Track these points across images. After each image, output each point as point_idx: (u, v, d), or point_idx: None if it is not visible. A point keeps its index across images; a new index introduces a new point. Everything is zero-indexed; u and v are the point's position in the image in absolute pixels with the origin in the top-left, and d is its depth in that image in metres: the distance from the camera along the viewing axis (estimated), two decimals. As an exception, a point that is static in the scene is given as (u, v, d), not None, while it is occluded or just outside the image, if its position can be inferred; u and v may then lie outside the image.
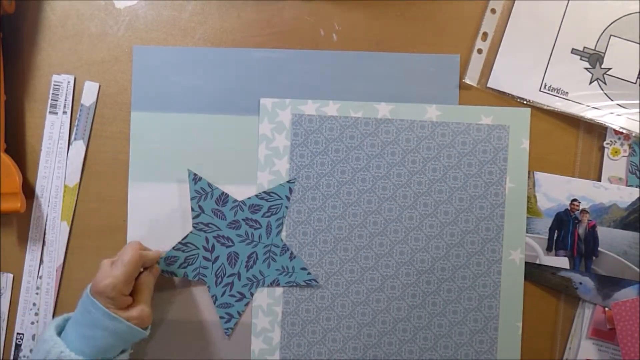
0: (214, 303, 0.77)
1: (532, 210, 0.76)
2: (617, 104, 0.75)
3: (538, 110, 0.76)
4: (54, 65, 0.78)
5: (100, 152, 0.78)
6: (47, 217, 0.78)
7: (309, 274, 0.77)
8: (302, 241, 0.77)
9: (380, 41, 0.77)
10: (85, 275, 0.78)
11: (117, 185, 0.78)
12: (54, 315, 0.78)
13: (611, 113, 0.75)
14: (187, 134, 0.78)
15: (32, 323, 0.78)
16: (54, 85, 0.78)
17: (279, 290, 0.77)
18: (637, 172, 0.75)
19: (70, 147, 0.78)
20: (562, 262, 0.76)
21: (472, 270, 0.77)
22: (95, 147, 0.78)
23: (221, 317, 0.77)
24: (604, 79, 0.75)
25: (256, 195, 0.77)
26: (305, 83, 0.77)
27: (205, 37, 0.78)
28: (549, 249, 0.76)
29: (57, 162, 0.78)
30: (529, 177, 0.76)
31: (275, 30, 0.78)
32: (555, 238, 0.76)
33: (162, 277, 0.77)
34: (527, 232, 0.76)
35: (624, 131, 0.75)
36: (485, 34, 0.77)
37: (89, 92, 0.78)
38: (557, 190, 0.76)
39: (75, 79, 0.78)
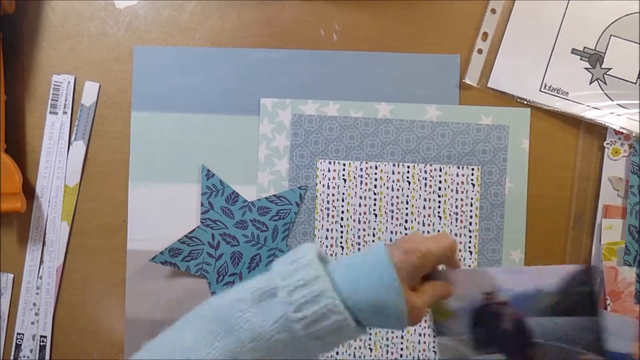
0: (214, 302, 0.77)
1: (444, 312, 0.61)
2: (617, 104, 0.75)
3: (538, 110, 0.76)
4: (54, 65, 0.78)
5: (100, 152, 0.78)
6: (47, 217, 0.78)
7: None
8: (302, 242, 0.77)
9: (380, 41, 0.77)
10: (85, 275, 0.79)
11: (117, 185, 0.78)
12: (54, 315, 0.78)
13: (611, 113, 0.75)
14: (187, 134, 0.78)
15: (32, 323, 0.78)
16: (54, 85, 0.78)
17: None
18: (638, 172, 0.75)
19: (71, 147, 0.78)
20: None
21: (472, 270, 0.76)
22: (96, 147, 0.78)
23: (221, 317, 0.77)
24: (604, 79, 0.75)
25: (266, 198, 0.77)
26: (305, 83, 0.77)
27: (205, 37, 0.78)
28: (476, 347, 0.62)
29: (58, 162, 0.78)
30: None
31: (275, 30, 0.78)
32: (479, 336, 0.61)
33: (165, 271, 0.77)
34: (449, 335, 0.62)
35: (624, 131, 0.75)
36: (485, 34, 0.76)
37: (89, 92, 0.78)
38: (463, 286, 0.60)
39: (75, 79, 0.78)
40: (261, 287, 0.51)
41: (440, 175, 0.76)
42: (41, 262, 0.78)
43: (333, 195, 0.77)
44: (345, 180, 0.77)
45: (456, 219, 0.76)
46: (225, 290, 0.53)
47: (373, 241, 0.77)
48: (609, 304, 0.75)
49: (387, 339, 0.77)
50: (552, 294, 0.59)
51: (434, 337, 0.61)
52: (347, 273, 0.52)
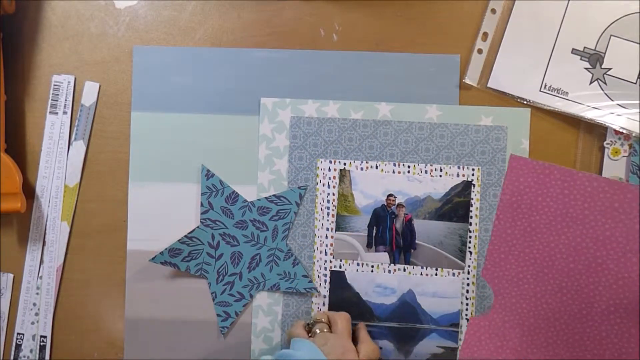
0: (213, 300, 0.77)
1: (350, 208, 0.77)
2: (617, 104, 0.75)
3: (538, 110, 0.76)
4: (54, 65, 0.78)
5: (100, 152, 0.78)
6: (47, 217, 0.78)
7: (310, 281, 0.77)
8: (302, 243, 0.77)
9: (380, 41, 0.77)
10: (85, 275, 0.79)
11: (117, 185, 0.78)
12: (54, 315, 0.78)
13: (611, 113, 0.75)
14: (187, 134, 0.78)
15: (32, 323, 0.78)
16: (54, 85, 0.78)
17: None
18: (638, 172, 0.75)
19: (71, 147, 0.78)
20: (383, 257, 0.77)
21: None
22: (96, 147, 0.79)
23: (218, 315, 0.77)
24: (604, 79, 0.75)
25: (266, 198, 0.77)
26: (305, 83, 0.77)
27: (205, 37, 0.78)
28: (369, 245, 0.77)
29: (57, 162, 0.78)
30: (344, 175, 0.77)
31: (275, 30, 0.78)
32: (374, 234, 0.77)
33: (165, 271, 0.77)
34: (347, 231, 0.77)
35: (624, 131, 0.75)
36: (485, 34, 0.76)
37: (89, 92, 0.78)
38: (373, 187, 0.77)
39: (75, 79, 0.78)
40: None
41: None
42: (41, 262, 0.78)
43: (333, 194, 0.77)
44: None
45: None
46: None
47: (373, 241, 0.78)
48: (609, 304, 0.75)
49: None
50: (438, 200, 0.76)
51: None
52: None
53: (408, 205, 0.77)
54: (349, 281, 0.77)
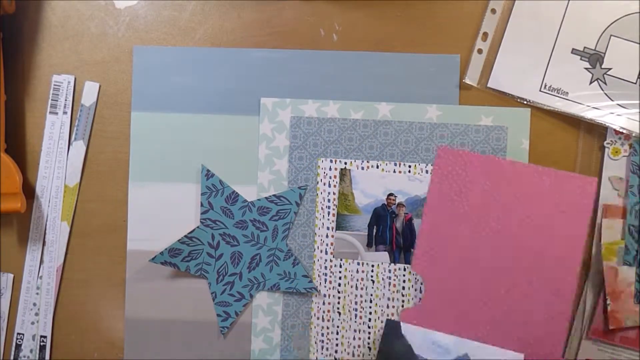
0: (213, 300, 0.77)
1: (350, 207, 0.77)
2: (618, 104, 0.75)
3: (538, 110, 0.76)
4: (54, 65, 0.78)
5: (100, 152, 0.78)
6: (47, 217, 0.78)
7: (310, 281, 0.77)
8: (302, 243, 0.77)
9: (380, 41, 0.77)
10: (85, 275, 0.79)
11: (117, 185, 0.78)
12: (54, 315, 0.78)
13: (611, 113, 0.75)
14: (187, 134, 0.78)
15: (32, 323, 0.78)
16: (54, 85, 0.78)
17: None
18: (638, 172, 0.75)
19: (71, 147, 0.78)
20: (383, 256, 0.77)
21: (472, 270, 0.77)
22: (96, 147, 0.79)
23: (218, 315, 0.77)
24: (604, 79, 0.75)
25: (266, 198, 0.77)
26: (305, 83, 0.77)
27: (205, 37, 0.78)
28: (369, 244, 0.77)
29: (57, 162, 0.78)
30: (344, 174, 0.77)
31: (275, 30, 0.78)
32: (374, 234, 0.77)
33: (165, 271, 0.77)
34: (347, 230, 0.77)
35: (624, 131, 0.75)
36: (485, 34, 0.76)
37: (89, 92, 0.78)
38: (373, 186, 0.77)
39: (75, 79, 0.78)
40: None
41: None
42: (41, 262, 0.78)
43: (334, 193, 0.77)
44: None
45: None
46: None
47: (373, 241, 0.78)
48: (609, 303, 0.75)
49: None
50: None
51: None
52: None
53: (408, 205, 0.77)
54: (403, 332, 0.75)
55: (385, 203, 0.77)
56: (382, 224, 0.77)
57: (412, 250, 0.76)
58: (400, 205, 0.77)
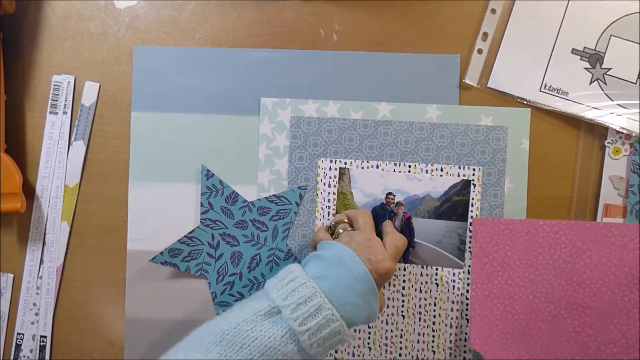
0: (213, 300, 0.77)
1: (349, 206, 0.77)
2: (618, 104, 0.75)
3: (538, 111, 0.76)
4: (54, 65, 0.78)
5: (100, 152, 0.78)
6: (47, 217, 0.78)
7: (310, 281, 0.77)
8: (302, 243, 0.77)
9: (380, 41, 0.77)
10: (85, 275, 0.79)
11: (117, 185, 0.78)
12: (54, 315, 0.78)
13: (611, 113, 0.75)
14: (187, 134, 0.78)
15: (32, 323, 0.78)
16: (54, 85, 0.78)
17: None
18: (638, 171, 0.75)
19: (71, 147, 0.78)
20: None
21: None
22: (95, 147, 0.79)
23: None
24: (604, 79, 0.75)
25: (266, 198, 0.77)
26: (305, 83, 0.77)
27: (205, 37, 0.78)
28: None
29: (57, 162, 0.78)
30: (343, 173, 0.77)
31: (275, 30, 0.78)
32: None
33: (165, 271, 0.77)
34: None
35: (624, 131, 0.75)
36: (485, 34, 0.76)
37: (89, 92, 0.78)
38: (372, 185, 0.77)
39: (75, 79, 0.78)
40: (263, 307, 0.60)
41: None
42: (41, 262, 0.78)
43: (334, 193, 0.77)
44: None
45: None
46: (225, 314, 0.62)
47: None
48: (609, 304, 0.75)
49: (387, 338, 0.77)
50: (437, 199, 0.76)
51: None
52: (337, 288, 0.62)
53: (407, 204, 0.77)
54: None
55: (384, 202, 0.77)
56: (381, 223, 0.77)
57: (410, 249, 0.76)
58: (399, 204, 0.77)
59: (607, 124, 0.75)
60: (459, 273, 0.76)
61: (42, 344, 0.78)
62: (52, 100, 0.78)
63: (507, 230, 0.74)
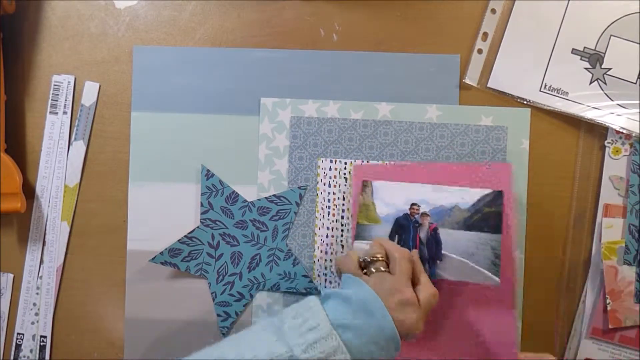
0: (213, 300, 0.77)
1: (371, 217, 0.75)
2: (618, 104, 0.75)
3: (538, 111, 0.76)
4: (54, 65, 0.78)
5: (100, 152, 0.78)
6: (47, 217, 0.78)
7: (310, 281, 0.77)
8: (302, 243, 0.77)
9: (380, 41, 0.77)
10: (85, 275, 0.79)
11: (117, 185, 0.78)
12: (54, 315, 0.78)
13: (611, 113, 0.75)
14: (187, 134, 0.78)
15: (32, 323, 0.78)
16: (54, 85, 0.78)
17: (279, 290, 0.78)
18: (638, 171, 0.75)
19: (71, 147, 0.78)
20: None
21: (472, 270, 0.77)
22: (95, 147, 0.79)
23: (218, 315, 0.77)
24: (604, 79, 0.75)
25: (266, 198, 0.77)
26: (305, 83, 0.77)
27: (205, 37, 0.78)
28: None
29: (57, 162, 0.78)
30: (366, 185, 0.75)
31: (275, 30, 0.78)
32: (396, 243, 0.72)
33: (165, 271, 0.77)
34: (367, 239, 0.74)
35: (624, 131, 0.75)
36: (485, 34, 0.76)
37: (89, 92, 0.78)
38: (394, 196, 0.75)
39: (75, 79, 0.78)
40: (280, 354, 0.56)
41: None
42: (41, 262, 0.78)
43: (334, 193, 0.77)
44: (346, 178, 0.77)
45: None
46: (234, 342, 0.60)
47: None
48: (609, 302, 0.75)
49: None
50: (466, 210, 0.73)
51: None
52: (361, 342, 0.58)
53: (433, 215, 0.74)
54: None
55: (409, 213, 0.75)
56: (405, 234, 0.74)
57: (437, 262, 0.73)
58: (424, 214, 0.74)
59: (607, 124, 0.75)
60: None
61: (42, 344, 0.78)
62: (52, 100, 0.78)
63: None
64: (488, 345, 0.75)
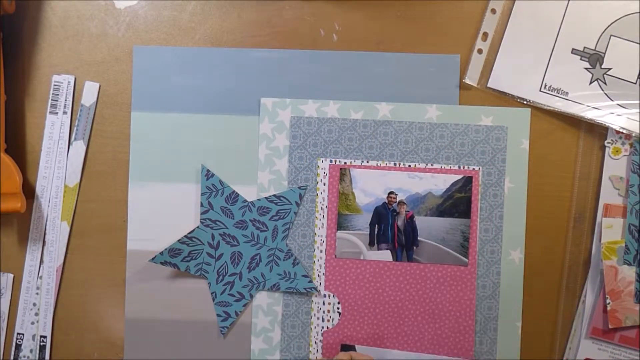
0: (213, 300, 0.77)
1: (352, 207, 0.77)
2: (618, 104, 0.75)
3: (538, 111, 0.76)
4: (54, 65, 0.78)
5: (100, 152, 0.78)
6: (47, 217, 0.78)
7: (310, 281, 0.77)
8: (302, 243, 0.77)
9: (380, 41, 0.77)
10: (85, 275, 0.79)
11: (117, 185, 0.78)
12: (54, 315, 0.78)
13: (611, 113, 0.75)
14: (187, 134, 0.78)
15: (32, 323, 0.78)
16: (54, 85, 0.78)
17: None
18: (638, 171, 0.75)
19: (71, 147, 0.78)
20: (385, 255, 0.77)
21: (472, 270, 0.77)
22: (96, 147, 0.79)
23: (218, 315, 0.77)
24: (604, 79, 0.75)
25: (266, 198, 0.77)
26: (305, 83, 0.77)
27: (205, 37, 0.78)
28: (371, 243, 0.77)
29: (57, 162, 0.78)
30: (344, 173, 0.77)
31: (275, 30, 0.78)
32: (376, 232, 0.77)
33: (165, 271, 0.77)
34: (349, 229, 0.77)
35: (624, 131, 0.75)
36: (485, 34, 0.76)
37: (89, 92, 0.78)
38: (373, 185, 0.77)
39: (75, 79, 0.78)
40: None
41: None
42: (41, 262, 0.78)
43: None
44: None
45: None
46: None
47: (373, 241, 0.78)
48: (609, 302, 0.75)
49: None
50: (439, 197, 0.77)
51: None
52: None
53: (409, 203, 0.77)
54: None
55: (386, 201, 0.77)
56: (384, 223, 0.77)
57: (414, 248, 0.76)
58: (401, 203, 0.77)
59: (607, 124, 0.75)
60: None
61: (42, 344, 0.78)
62: (52, 100, 0.78)
63: None
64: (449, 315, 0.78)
